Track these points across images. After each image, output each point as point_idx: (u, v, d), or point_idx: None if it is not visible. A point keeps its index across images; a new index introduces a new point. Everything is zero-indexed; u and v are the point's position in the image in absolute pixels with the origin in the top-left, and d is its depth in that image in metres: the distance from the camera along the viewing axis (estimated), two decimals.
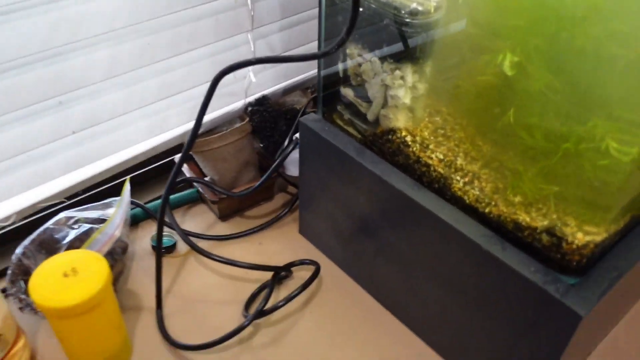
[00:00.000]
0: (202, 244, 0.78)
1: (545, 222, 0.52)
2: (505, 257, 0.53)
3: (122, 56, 0.66)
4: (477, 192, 0.57)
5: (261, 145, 0.85)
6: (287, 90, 0.88)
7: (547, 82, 0.50)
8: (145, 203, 0.82)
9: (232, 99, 0.82)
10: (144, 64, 0.69)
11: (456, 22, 0.55)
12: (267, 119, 0.82)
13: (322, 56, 0.57)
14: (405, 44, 0.57)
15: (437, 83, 0.59)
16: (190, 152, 0.82)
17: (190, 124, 0.80)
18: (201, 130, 0.81)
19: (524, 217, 0.54)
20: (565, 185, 0.51)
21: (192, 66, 0.74)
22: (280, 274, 0.74)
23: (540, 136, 0.52)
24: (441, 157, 0.60)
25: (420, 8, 0.53)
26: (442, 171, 0.59)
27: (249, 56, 0.80)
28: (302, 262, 0.75)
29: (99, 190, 0.78)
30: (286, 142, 0.82)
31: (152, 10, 0.66)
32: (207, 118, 0.80)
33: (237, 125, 0.81)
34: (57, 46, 0.60)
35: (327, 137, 0.68)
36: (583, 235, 0.50)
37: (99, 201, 0.73)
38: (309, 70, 0.88)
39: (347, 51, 0.64)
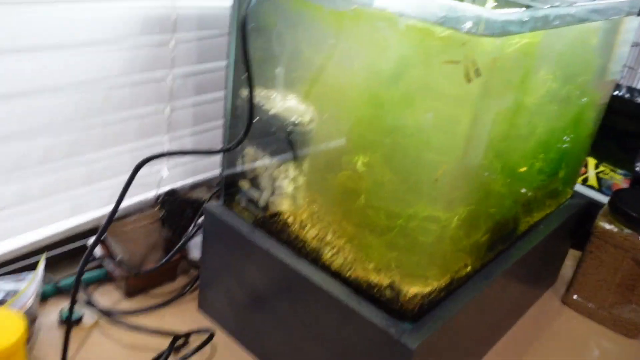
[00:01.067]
0: (108, 318, 0.86)
1: (388, 281, 0.69)
2: (362, 309, 0.68)
3: (56, 147, 0.79)
4: (342, 261, 0.74)
5: (169, 230, 0.98)
6: (194, 186, 1.03)
7: (387, 176, 0.69)
8: (59, 280, 0.89)
9: (145, 189, 0.96)
10: (74, 154, 0.82)
11: (325, 132, 0.75)
12: (176, 208, 0.96)
13: (226, 151, 0.73)
14: (289, 147, 0.75)
15: (313, 177, 0.77)
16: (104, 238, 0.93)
17: (108, 208, 0.92)
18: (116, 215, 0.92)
19: (374, 278, 0.70)
20: (401, 252, 0.69)
21: (115, 159, 0.88)
22: (177, 340, 0.83)
23: (383, 216, 0.70)
24: (315, 234, 0.76)
25: (298, 120, 0.72)
26: (315, 245, 0.76)
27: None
28: (198, 330, 0.85)
29: (16, 263, 0.86)
30: (190, 228, 0.96)
31: (86, 112, 0.80)
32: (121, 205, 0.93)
33: (148, 212, 0.94)
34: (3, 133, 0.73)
35: (226, 219, 0.83)
36: (414, 289, 0.67)
37: (14, 274, 0.81)
38: (213, 169, 1.04)
39: (245, 151, 0.81)
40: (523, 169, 0.81)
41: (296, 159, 0.76)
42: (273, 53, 0.74)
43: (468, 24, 0.53)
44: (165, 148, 0.95)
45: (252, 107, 0.66)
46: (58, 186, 0.82)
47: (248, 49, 0.60)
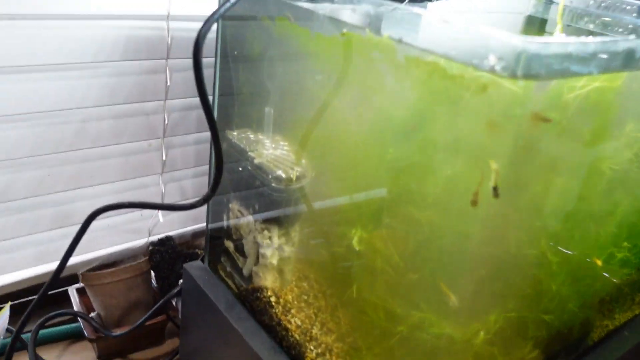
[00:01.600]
0: None
1: None
2: None
3: (18, 183, 0.68)
4: None
5: (158, 286, 0.84)
6: (197, 234, 0.89)
7: (391, 261, 0.51)
8: (26, 331, 0.78)
9: (135, 235, 0.83)
10: (40, 193, 0.71)
11: (318, 193, 0.57)
12: (167, 260, 0.82)
13: (190, 208, 0.58)
14: (274, 207, 0.58)
15: (302, 249, 0.60)
16: (82, 284, 0.81)
17: (85, 256, 0.80)
18: (98, 263, 0.80)
19: None
20: None
21: (93, 200, 0.76)
22: None
23: (382, 315, 0.51)
24: (299, 323, 0.59)
25: (283, 175, 0.56)
26: (298, 338, 0.58)
27: (157, 196, 0.82)
28: None
29: None
30: (180, 285, 0.81)
31: (55, 145, 0.69)
32: (104, 251, 0.80)
33: (133, 262, 0.81)
34: None
35: (204, 287, 0.67)
36: None
37: None
38: None
39: (230, 205, 0.65)
40: (597, 261, 0.58)
41: (283, 223, 0.59)
42: (261, 88, 0.59)
43: (492, 59, 0.34)
44: (160, 190, 0.82)
45: (218, 155, 0.50)
46: (21, 229, 0.71)
47: (202, 81, 0.45)
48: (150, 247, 0.83)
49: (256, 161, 0.58)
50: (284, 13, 0.52)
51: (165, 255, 0.82)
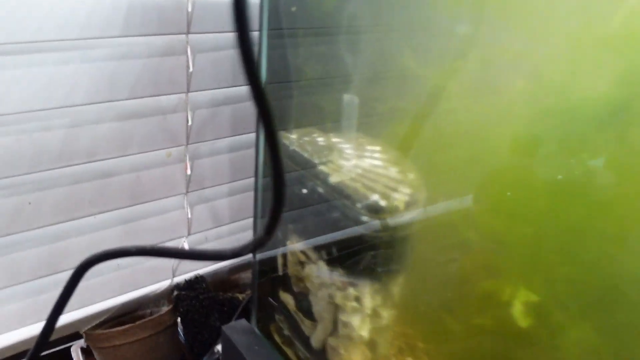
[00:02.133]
0: None
1: None
2: None
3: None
4: None
5: (187, 343, 0.63)
6: (234, 269, 0.68)
7: (590, 342, 0.29)
8: None
9: (155, 277, 0.62)
10: (19, 229, 0.50)
11: (443, 227, 0.35)
12: (197, 309, 0.61)
13: (231, 257, 0.37)
14: (366, 251, 0.37)
15: (413, 316, 0.38)
16: (89, 345, 0.60)
17: (86, 310, 0.59)
18: (107, 316, 0.60)
19: None
20: None
21: (93, 235, 0.55)
22: None
23: None
24: None
25: (383, 203, 0.34)
26: None
27: (182, 224, 0.61)
28: None
29: None
30: (218, 347, 0.60)
31: (35, 161, 0.48)
32: (113, 301, 0.60)
33: (154, 314, 0.60)
34: None
35: (253, 355, 0.46)
36: None
37: None
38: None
39: (288, 242, 0.44)
40: None
41: (378, 275, 0.37)
42: (337, 66, 0.37)
43: None
44: (186, 215, 0.61)
45: (279, 172, 0.29)
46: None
47: (248, 44, 0.24)
48: (176, 292, 0.62)
49: (332, 179, 0.36)
50: None
51: (196, 303, 0.61)
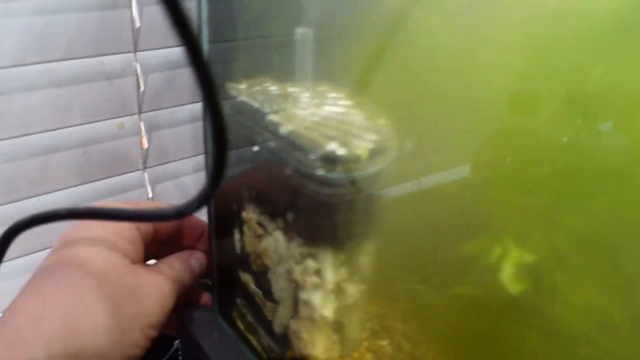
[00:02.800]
0: None
1: None
2: None
3: None
4: None
5: None
6: None
7: (599, 307, 0.23)
8: None
9: None
10: None
11: (414, 178, 0.29)
12: None
13: (175, 217, 0.31)
14: (325, 214, 0.31)
15: (385, 290, 0.32)
16: None
17: None
18: None
19: None
20: None
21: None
22: None
23: None
24: None
25: (341, 152, 0.28)
26: None
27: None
28: None
29: None
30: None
31: None
32: None
33: None
34: None
35: (211, 351, 0.40)
36: None
37: None
38: None
39: (243, 215, 0.38)
40: None
41: (344, 243, 0.31)
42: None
43: None
44: (146, 194, 0.55)
45: (218, 124, 0.23)
46: None
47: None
48: None
49: (283, 130, 0.30)
50: None
51: None
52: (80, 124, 0.48)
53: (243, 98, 0.34)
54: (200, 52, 0.21)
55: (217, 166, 0.26)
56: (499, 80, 0.25)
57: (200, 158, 0.57)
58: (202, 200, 0.28)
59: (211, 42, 0.35)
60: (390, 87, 0.27)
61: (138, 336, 0.34)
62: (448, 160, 0.27)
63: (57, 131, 0.47)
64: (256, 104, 0.33)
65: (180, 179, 0.57)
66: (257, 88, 0.34)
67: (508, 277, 0.24)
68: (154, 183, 0.55)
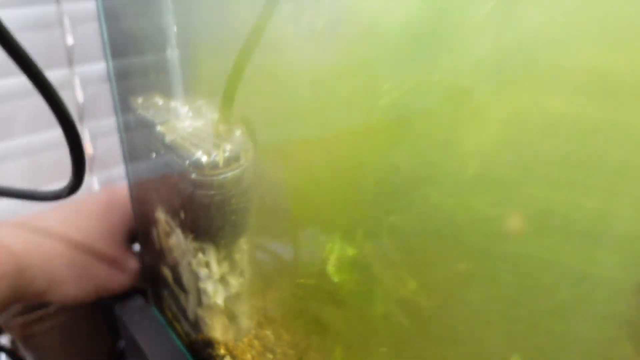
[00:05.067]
0: None
1: None
2: None
3: None
4: None
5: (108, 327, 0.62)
6: None
7: (408, 287, 0.26)
8: None
9: None
10: None
11: (271, 181, 0.33)
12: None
13: (54, 198, 0.35)
14: (199, 213, 0.35)
15: (261, 278, 0.36)
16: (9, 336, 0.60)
17: None
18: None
19: None
20: None
21: None
22: None
23: None
24: None
25: (204, 159, 0.31)
26: None
27: None
28: None
29: None
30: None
31: None
32: None
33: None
34: None
35: (141, 341, 0.45)
36: None
37: None
38: None
39: (156, 214, 0.42)
40: None
41: (220, 239, 0.35)
42: (160, 23, 0.35)
43: None
44: None
45: (65, 122, 0.27)
46: None
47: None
48: None
49: (167, 139, 0.34)
50: None
51: None
52: (26, 133, 0.52)
53: (140, 111, 0.38)
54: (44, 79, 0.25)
55: (77, 163, 0.30)
56: (323, 94, 0.28)
57: None
58: (72, 188, 0.33)
59: (114, 58, 0.39)
60: (244, 101, 0.31)
61: None
62: (294, 165, 0.31)
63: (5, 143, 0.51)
64: (149, 117, 0.37)
65: None
66: (149, 102, 0.38)
67: (332, 267, 0.27)
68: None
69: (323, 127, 0.28)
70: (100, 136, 0.57)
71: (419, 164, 0.26)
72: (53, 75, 0.52)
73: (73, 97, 0.53)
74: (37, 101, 0.27)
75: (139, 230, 0.46)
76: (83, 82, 0.53)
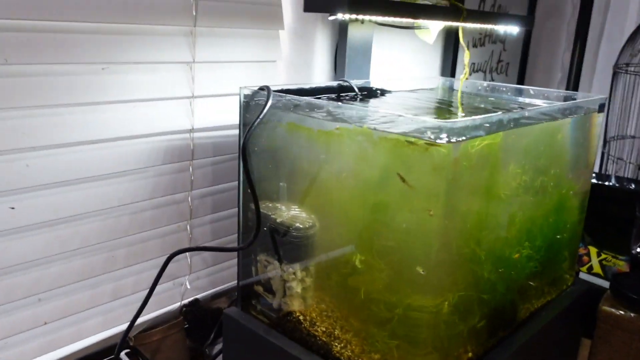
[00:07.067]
0: None
1: None
2: None
3: (93, 264, 0.90)
4: (350, 353, 0.79)
5: (192, 339, 1.04)
6: (215, 296, 1.11)
7: (383, 271, 0.77)
8: None
9: (169, 301, 1.04)
10: (106, 270, 0.92)
11: (325, 235, 0.84)
12: (198, 317, 1.03)
13: (240, 249, 0.83)
14: (295, 251, 0.84)
15: (319, 277, 0.85)
16: (134, 345, 1.00)
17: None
18: (142, 329, 1.00)
19: None
20: (402, 340, 0.75)
21: (140, 275, 0.97)
22: None
23: (383, 307, 0.77)
24: (324, 329, 0.83)
25: (300, 226, 0.82)
26: (325, 340, 0.82)
27: (186, 267, 1.05)
28: None
29: None
30: (211, 336, 1.03)
31: (114, 233, 0.92)
32: (146, 317, 1.01)
33: (173, 322, 1.02)
34: (38, 258, 0.84)
35: (244, 322, 0.90)
36: None
37: None
38: (231, 280, 1.12)
39: (258, 257, 0.90)
40: (511, 256, 0.87)
41: (302, 261, 0.84)
42: (276, 170, 0.86)
43: (429, 133, 0.64)
44: (187, 261, 1.04)
45: (258, 215, 0.77)
46: (92, 301, 0.91)
47: (248, 169, 0.72)
48: (184, 309, 1.04)
49: (278, 220, 0.84)
50: (292, 120, 0.81)
51: (197, 314, 1.04)
52: (165, 225, 0.98)
53: (265, 212, 0.88)
54: (255, 191, 0.76)
55: (257, 228, 0.79)
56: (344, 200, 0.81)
57: (216, 241, 1.08)
58: (249, 243, 0.82)
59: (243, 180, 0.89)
60: (315, 202, 0.82)
61: None
62: (337, 228, 0.82)
63: (152, 231, 0.97)
64: (265, 211, 0.87)
65: (204, 255, 1.07)
66: (263, 205, 0.88)
67: (357, 262, 0.78)
68: (191, 256, 1.05)
69: (347, 213, 0.80)
70: (196, 227, 1.03)
71: None
72: (180, 195, 0.99)
73: (188, 205, 1.00)
74: None
75: (240, 266, 0.93)
76: (193, 197, 1.01)
